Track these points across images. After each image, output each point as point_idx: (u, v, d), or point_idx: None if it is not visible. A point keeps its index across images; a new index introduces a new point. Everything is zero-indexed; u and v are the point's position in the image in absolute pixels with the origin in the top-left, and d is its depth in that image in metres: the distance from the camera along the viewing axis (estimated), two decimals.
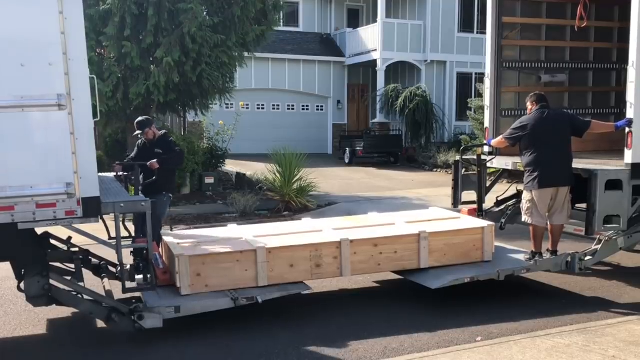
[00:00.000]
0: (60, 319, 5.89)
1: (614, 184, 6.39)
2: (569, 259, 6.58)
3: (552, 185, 6.43)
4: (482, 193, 7.70)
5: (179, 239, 6.24)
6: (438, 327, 5.58)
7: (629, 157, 6.35)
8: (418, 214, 7.59)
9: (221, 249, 5.88)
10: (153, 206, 5.30)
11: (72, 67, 4.55)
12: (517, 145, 6.70)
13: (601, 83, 9.28)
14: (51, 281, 5.19)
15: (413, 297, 6.48)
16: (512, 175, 8.31)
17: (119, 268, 5.25)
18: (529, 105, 6.74)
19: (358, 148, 20.99)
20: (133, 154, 7.43)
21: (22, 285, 5.33)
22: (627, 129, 6.29)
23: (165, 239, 6.23)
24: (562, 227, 6.73)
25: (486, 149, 7.83)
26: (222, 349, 5.15)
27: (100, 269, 6.13)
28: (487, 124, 8.30)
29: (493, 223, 6.85)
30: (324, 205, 12.67)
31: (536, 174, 6.42)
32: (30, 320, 5.88)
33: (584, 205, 6.70)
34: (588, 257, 6.63)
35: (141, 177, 6.65)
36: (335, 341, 5.27)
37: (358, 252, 6.11)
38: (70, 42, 4.53)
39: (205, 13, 13.16)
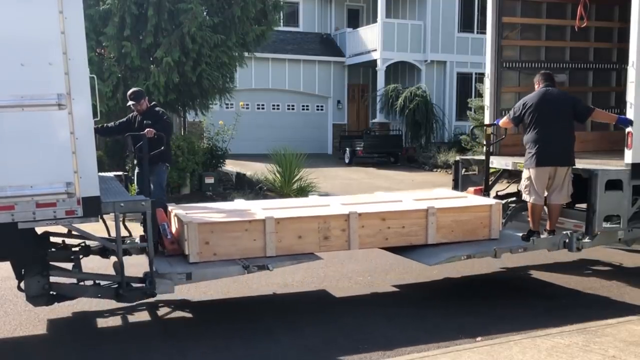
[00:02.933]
0: (60, 318, 5.88)
1: (614, 184, 6.39)
2: (567, 239, 6.54)
3: (550, 164, 6.36)
4: (488, 173, 7.65)
5: (188, 209, 6.24)
6: (438, 327, 5.58)
7: (629, 157, 6.35)
8: (425, 194, 7.57)
9: (230, 218, 5.86)
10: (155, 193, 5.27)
11: (72, 66, 4.55)
12: (520, 126, 6.63)
13: (601, 83, 9.30)
14: (52, 278, 5.19)
15: (413, 297, 6.48)
16: (512, 175, 8.31)
17: (119, 267, 5.24)
18: (535, 84, 6.69)
19: (358, 148, 20.98)
20: (116, 123, 7.48)
21: (22, 285, 5.32)
22: (627, 130, 6.29)
23: (175, 210, 6.19)
24: (561, 207, 6.65)
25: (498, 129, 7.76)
26: (222, 351, 5.15)
27: (107, 250, 6.09)
28: (487, 123, 8.30)
29: (501, 201, 6.77)
30: None
31: (534, 151, 6.35)
32: (30, 320, 5.87)
33: (584, 205, 6.70)
34: (586, 239, 6.57)
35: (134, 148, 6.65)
36: (335, 341, 5.26)
37: (366, 226, 6.03)
38: (70, 42, 4.52)
39: (205, 13, 13.18)
